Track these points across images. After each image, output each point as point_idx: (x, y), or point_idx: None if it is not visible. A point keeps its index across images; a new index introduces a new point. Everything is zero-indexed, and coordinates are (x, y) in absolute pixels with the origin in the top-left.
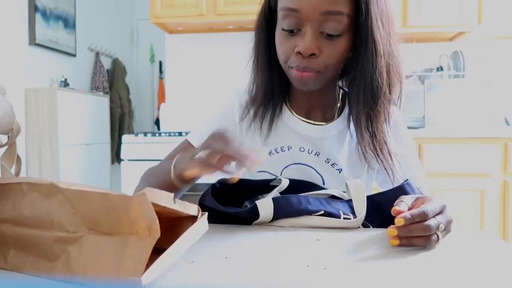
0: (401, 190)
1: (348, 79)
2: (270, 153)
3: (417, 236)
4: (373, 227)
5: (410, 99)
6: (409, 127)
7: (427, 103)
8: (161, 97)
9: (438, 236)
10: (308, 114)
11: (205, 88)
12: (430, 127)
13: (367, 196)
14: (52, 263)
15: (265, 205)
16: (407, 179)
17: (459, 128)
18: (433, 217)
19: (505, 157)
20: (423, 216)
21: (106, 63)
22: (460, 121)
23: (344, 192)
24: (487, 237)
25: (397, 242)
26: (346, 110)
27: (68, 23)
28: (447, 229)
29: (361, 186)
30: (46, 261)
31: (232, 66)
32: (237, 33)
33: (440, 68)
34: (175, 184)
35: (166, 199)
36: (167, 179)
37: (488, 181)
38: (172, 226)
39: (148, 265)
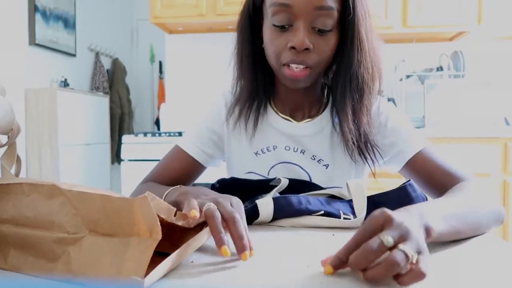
0: (403, 191)
1: (331, 74)
2: (256, 153)
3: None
4: None
5: (410, 99)
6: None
7: (427, 103)
8: (161, 97)
9: (404, 257)
10: (293, 112)
11: (205, 88)
12: (430, 127)
13: (367, 196)
14: (52, 263)
15: (265, 205)
16: (409, 180)
17: (459, 128)
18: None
19: (505, 157)
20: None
21: (106, 63)
22: (460, 121)
23: (341, 187)
24: (487, 237)
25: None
26: (329, 105)
27: (68, 23)
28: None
29: (361, 186)
30: (46, 261)
31: (231, 66)
32: (236, 33)
33: (440, 68)
34: None
35: (166, 211)
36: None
37: (488, 181)
38: (173, 229)
39: (148, 267)
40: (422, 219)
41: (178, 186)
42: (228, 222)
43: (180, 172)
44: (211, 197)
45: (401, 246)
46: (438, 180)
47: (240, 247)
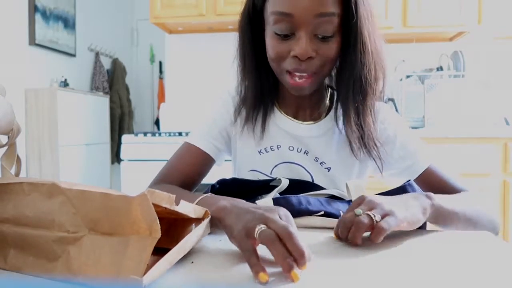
0: (402, 191)
1: (335, 76)
2: (260, 152)
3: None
4: None
5: (410, 99)
6: (410, 128)
7: (427, 103)
8: (161, 97)
9: (370, 220)
10: (296, 113)
11: (205, 88)
12: (430, 127)
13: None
14: (53, 263)
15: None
16: (409, 180)
17: (459, 128)
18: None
19: (505, 157)
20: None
21: (106, 63)
22: (460, 121)
23: (343, 191)
24: (487, 237)
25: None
26: (333, 108)
27: (68, 23)
28: (390, 216)
29: (361, 187)
30: (47, 261)
31: (233, 65)
32: (237, 33)
33: (440, 68)
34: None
35: (167, 200)
36: None
37: (488, 181)
38: (173, 226)
39: (148, 265)
40: (420, 195)
41: (207, 195)
42: (284, 239)
43: (192, 167)
44: (257, 216)
45: (367, 212)
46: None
47: (302, 263)
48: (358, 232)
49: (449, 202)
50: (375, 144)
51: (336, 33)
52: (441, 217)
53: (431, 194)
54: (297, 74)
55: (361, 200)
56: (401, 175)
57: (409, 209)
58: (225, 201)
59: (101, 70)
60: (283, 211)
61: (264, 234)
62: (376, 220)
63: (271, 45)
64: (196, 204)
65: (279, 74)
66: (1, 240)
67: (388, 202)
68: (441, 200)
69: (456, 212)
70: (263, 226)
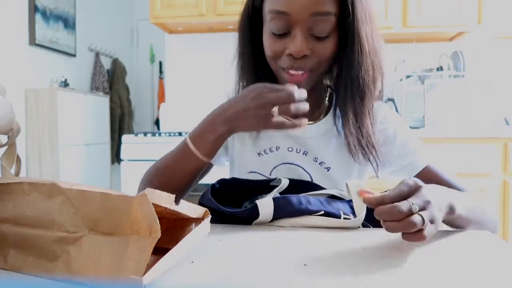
0: None
1: (334, 77)
2: (259, 154)
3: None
4: (373, 227)
5: (410, 99)
6: (409, 127)
7: (427, 103)
8: (161, 97)
9: (419, 221)
10: None
11: (205, 88)
12: (430, 127)
13: None
14: (52, 263)
15: (265, 205)
16: (409, 179)
17: (459, 128)
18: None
19: (505, 157)
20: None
21: (106, 63)
22: (460, 121)
23: (343, 191)
24: (487, 237)
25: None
26: (332, 108)
27: (68, 23)
28: (433, 223)
29: (361, 187)
30: (46, 261)
31: (233, 66)
32: (237, 33)
33: (440, 68)
34: (201, 163)
35: (167, 200)
36: (187, 165)
37: (488, 181)
38: (173, 225)
39: (148, 265)
40: (447, 198)
41: (194, 131)
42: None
43: None
44: (253, 107)
45: (421, 213)
46: None
47: (297, 105)
48: (406, 229)
49: (467, 211)
50: (373, 147)
51: (332, 32)
52: (451, 222)
53: (454, 204)
54: (292, 72)
55: (417, 188)
56: (400, 172)
57: (440, 215)
58: (219, 116)
59: (101, 70)
60: (252, 92)
61: (277, 120)
62: (424, 226)
63: (268, 43)
64: (195, 138)
65: (276, 71)
66: (1, 240)
67: (434, 205)
68: (462, 210)
69: (469, 219)
70: (273, 111)
